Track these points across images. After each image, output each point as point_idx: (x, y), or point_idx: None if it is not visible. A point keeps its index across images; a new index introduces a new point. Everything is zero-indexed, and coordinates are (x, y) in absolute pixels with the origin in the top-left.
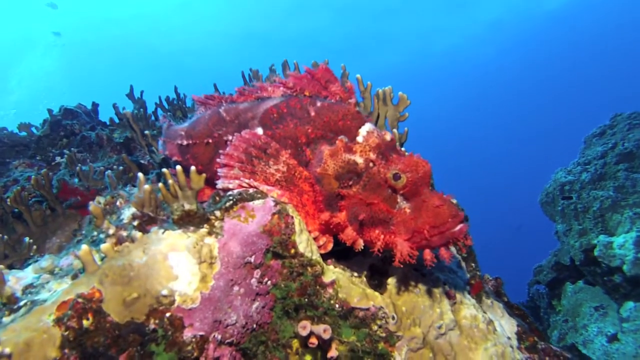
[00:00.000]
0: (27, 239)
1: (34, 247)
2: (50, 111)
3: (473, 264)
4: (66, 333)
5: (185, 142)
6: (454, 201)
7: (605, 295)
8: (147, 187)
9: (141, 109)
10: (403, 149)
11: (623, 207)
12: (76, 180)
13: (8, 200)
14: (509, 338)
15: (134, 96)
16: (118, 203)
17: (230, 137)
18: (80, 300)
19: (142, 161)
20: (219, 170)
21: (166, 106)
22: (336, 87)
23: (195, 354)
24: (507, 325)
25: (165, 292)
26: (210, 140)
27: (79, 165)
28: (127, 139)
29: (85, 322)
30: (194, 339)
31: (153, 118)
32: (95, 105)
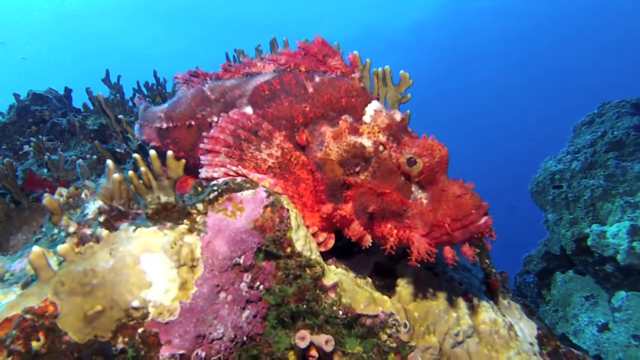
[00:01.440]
0: None
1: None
2: (17, 96)
3: (487, 260)
4: (9, 359)
5: (164, 125)
6: None
7: (596, 285)
8: (116, 175)
9: (117, 95)
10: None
11: (614, 196)
12: (45, 170)
13: None
14: (531, 344)
15: (110, 81)
16: (83, 195)
17: (215, 118)
18: (28, 316)
19: (117, 149)
20: (202, 157)
21: (145, 92)
22: (336, 61)
23: None
24: (526, 329)
25: (136, 303)
26: (193, 123)
27: (48, 154)
28: (101, 126)
29: (35, 344)
30: (171, 359)
31: (130, 104)
32: (68, 91)
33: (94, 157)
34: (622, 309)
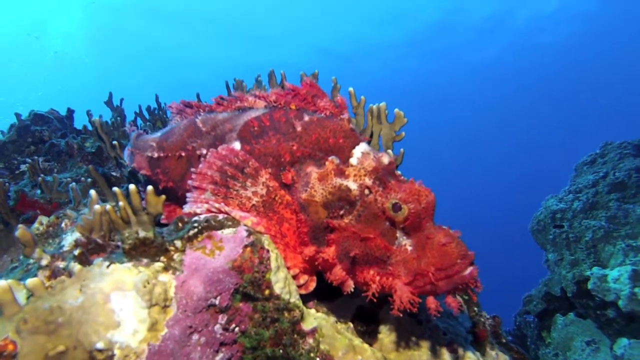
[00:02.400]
0: None
1: None
2: (18, 115)
3: (476, 308)
4: None
5: (155, 155)
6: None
7: (598, 330)
8: (97, 207)
9: (118, 118)
10: (398, 172)
11: (615, 239)
12: (38, 191)
13: None
14: None
15: (113, 103)
16: (63, 225)
17: (204, 151)
18: None
19: (113, 173)
20: (187, 194)
21: (147, 116)
22: (325, 102)
23: None
24: None
25: (101, 345)
26: (183, 154)
27: (42, 175)
28: (99, 149)
29: None
30: None
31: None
32: (70, 112)
33: (89, 180)
34: (625, 357)
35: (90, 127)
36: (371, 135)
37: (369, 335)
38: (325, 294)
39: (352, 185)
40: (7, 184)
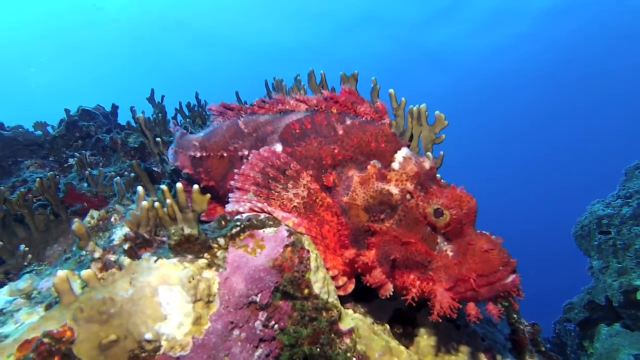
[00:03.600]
0: (22, 246)
1: (29, 256)
2: (67, 111)
3: (515, 315)
4: None
5: (198, 154)
6: None
7: None
8: (145, 203)
9: (160, 114)
10: (439, 176)
11: None
12: (85, 185)
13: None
14: None
15: (155, 100)
16: (113, 219)
17: (246, 152)
18: (46, 340)
19: (155, 168)
20: (230, 195)
21: (187, 112)
22: (365, 108)
23: None
24: None
25: (149, 336)
26: (225, 154)
27: (89, 169)
28: (142, 145)
29: None
30: None
31: (171, 124)
32: (115, 108)
33: (132, 175)
34: None
35: (133, 123)
36: (411, 138)
37: (406, 338)
38: (363, 296)
39: (394, 190)
40: (57, 177)
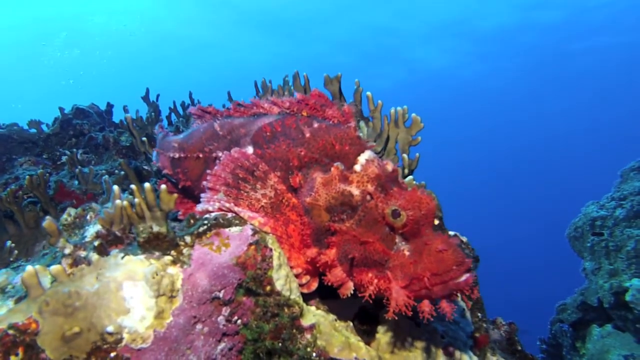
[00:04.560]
0: (8, 242)
1: (15, 252)
2: (61, 109)
3: (479, 314)
4: None
5: (177, 155)
6: (464, 239)
7: (638, 345)
8: (118, 202)
9: (153, 113)
10: (411, 177)
11: None
12: (76, 182)
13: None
14: None
15: (149, 99)
16: (88, 217)
17: (220, 154)
18: (11, 332)
19: (145, 167)
20: (202, 194)
21: (180, 112)
22: (333, 111)
23: None
24: None
25: (111, 328)
26: (201, 155)
27: (79, 167)
28: (133, 143)
29: (13, 359)
30: None
31: (165, 123)
32: (109, 106)
33: (122, 173)
34: None
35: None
36: (387, 139)
37: (368, 334)
38: (329, 295)
39: (355, 191)
40: (47, 174)
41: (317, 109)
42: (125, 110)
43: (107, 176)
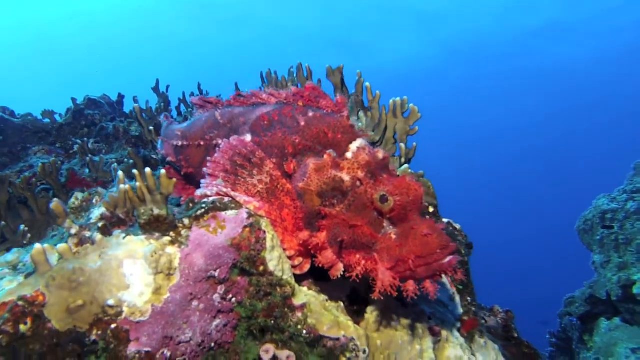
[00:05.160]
0: (22, 227)
1: (29, 235)
2: (74, 100)
3: (469, 298)
4: (0, 337)
5: (180, 143)
6: (458, 226)
7: None
8: (122, 186)
9: (162, 104)
10: (407, 166)
11: None
12: (87, 170)
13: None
14: None
15: (159, 90)
16: (94, 200)
17: (220, 142)
18: (20, 303)
19: (153, 156)
20: (202, 180)
21: (189, 102)
22: (327, 102)
23: None
24: None
25: (111, 302)
26: (202, 143)
27: (90, 156)
28: (142, 133)
29: (22, 327)
30: (137, 355)
31: (175, 113)
32: (120, 97)
33: (131, 161)
34: None
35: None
36: (385, 129)
37: (358, 314)
38: (322, 276)
39: (346, 177)
40: (59, 162)
41: (312, 101)
42: (135, 100)
43: (116, 164)
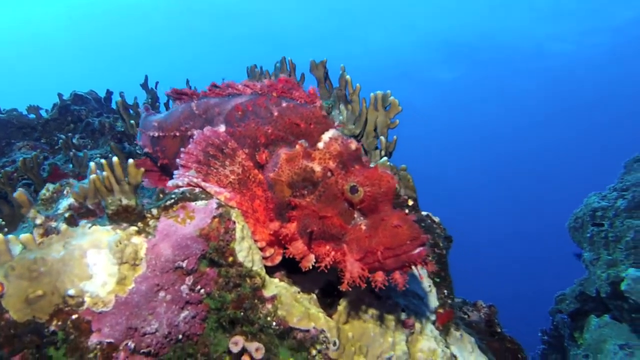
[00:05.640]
0: (0, 220)
1: (6, 229)
2: (60, 95)
3: (446, 291)
4: None
5: (156, 134)
6: (437, 219)
7: (633, 334)
8: (92, 177)
9: (150, 100)
10: (385, 158)
11: None
12: (70, 165)
13: None
14: None
15: (148, 86)
16: (65, 192)
17: (195, 132)
18: None
19: (139, 152)
20: (174, 171)
21: None
22: (300, 93)
23: None
24: None
25: (72, 291)
26: (178, 134)
27: (74, 151)
28: (126, 128)
29: None
30: (99, 346)
31: (163, 109)
32: (108, 93)
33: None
34: None
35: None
36: (366, 122)
37: (331, 306)
38: (295, 269)
39: (317, 168)
40: (41, 157)
41: (285, 92)
42: (122, 96)
43: (97, 159)
